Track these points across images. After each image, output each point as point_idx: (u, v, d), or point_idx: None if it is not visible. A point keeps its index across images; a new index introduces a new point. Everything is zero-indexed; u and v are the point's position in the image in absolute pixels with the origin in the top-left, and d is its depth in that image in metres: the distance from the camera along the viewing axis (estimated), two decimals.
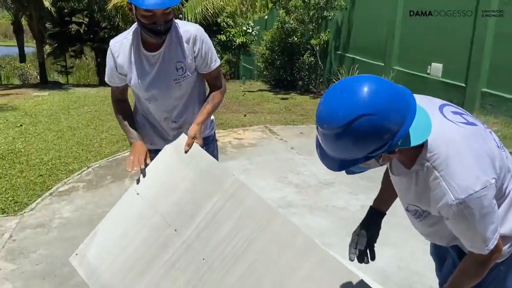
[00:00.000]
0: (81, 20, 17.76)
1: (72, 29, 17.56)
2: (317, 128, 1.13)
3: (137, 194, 1.69)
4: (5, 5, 14.70)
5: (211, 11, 13.27)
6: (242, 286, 1.47)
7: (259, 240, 1.50)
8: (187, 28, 1.94)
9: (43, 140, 6.22)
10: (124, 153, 5.51)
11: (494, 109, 6.46)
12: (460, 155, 1.14)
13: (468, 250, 1.26)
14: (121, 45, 1.94)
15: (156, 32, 1.81)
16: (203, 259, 1.52)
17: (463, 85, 6.87)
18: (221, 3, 13.36)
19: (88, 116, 8.13)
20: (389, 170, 1.38)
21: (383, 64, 8.97)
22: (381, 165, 1.20)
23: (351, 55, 10.59)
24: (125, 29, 10.03)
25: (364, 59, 9.85)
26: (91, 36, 17.28)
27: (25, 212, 3.73)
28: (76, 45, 17.84)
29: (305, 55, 11.40)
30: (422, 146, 1.18)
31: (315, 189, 4.14)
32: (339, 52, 11.29)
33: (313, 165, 4.77)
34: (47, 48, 17.47)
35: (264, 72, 13.45)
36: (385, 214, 1.55)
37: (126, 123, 2.03)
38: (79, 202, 3.92)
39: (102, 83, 17.35)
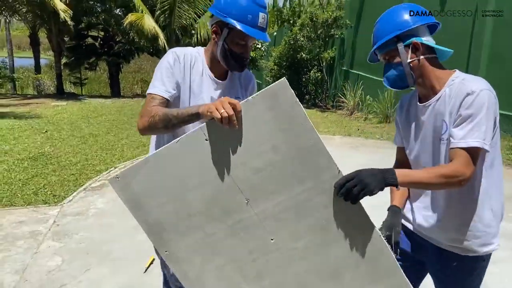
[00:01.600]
0: (96, 34, 18.50)
1: (88, 43, 18.30)
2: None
3: (206, 140, 1.34)
4: (24, 19, 15.43)
5: None
6: (305, 281, 1.41)
7: (339, 247, 1.39)
8: (249, 72, 1.85)
9: (68, 145, 6.74)
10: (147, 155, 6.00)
11: None
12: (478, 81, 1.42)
13: (453, 151, 1.38)
14: (195, 58, 1.69)
15: (242, 63, 1.66)
16: (272, 239, 1.40)
17: None
18: None
19: (107, 124, 8.66)
20: (418, 104, 1.56)
21: None
22: (411, 64, 1.47)
23: (356, 71, 11.10)
24: (139, 44, 10.76)
25: (368, 75, 10.34)
26: (106, 49, 18.01)
27: (64, 203, 4.23)
28: (91, 58, 18.56)
29: (312, 71, 11.95)
30: (450, 74, 1.48)
31: None
32: (345, 68, 11.81)
33: None
34: (64, 60, 18.17)
35: None
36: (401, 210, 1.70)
37: (173, 108, 1.60)
38: (111, 195, 4.41)
39: (114, 94, 18.01)
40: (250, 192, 1.37)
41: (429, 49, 1.49)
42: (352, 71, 11.34)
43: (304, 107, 8.79)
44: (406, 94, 1.71)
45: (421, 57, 1.47)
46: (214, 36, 1.64)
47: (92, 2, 15.87)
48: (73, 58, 18.15)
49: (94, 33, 18.46)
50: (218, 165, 1.36)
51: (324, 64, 11.77)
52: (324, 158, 1.34)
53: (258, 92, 1.32)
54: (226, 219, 1.39)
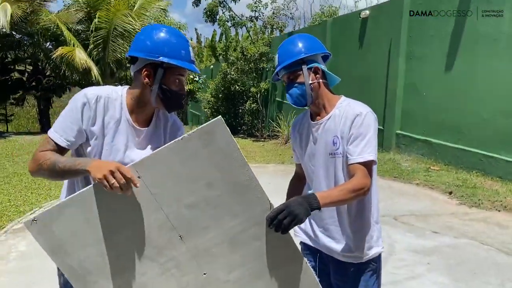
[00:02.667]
0: (24, 69, 17.69)
1: (14, 77, 17.42)
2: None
3: (139, 177, 1.31)
4: None
5: None
6: None
7: (271, 276, 1.45)
8: (176, 118, 1.78)
9: None
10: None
11: (407, 148, 7.51)
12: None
13: (353, 166, 1.60)
14: (112, 101, 1.57)
15: (181, 100, 1.62)
16: (205, 274, 1.41)
17: (381, 127, 7.91)
18: None
19: None
20: (311, 121, 1.76)
21: None
22: (311, 85, 1.67)
23: (288, 102, 11.56)
24: (71, 78, 10.50)
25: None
26: (34, 84, 17.24)
27: None
28: (18, 93, 17.64)
29: (247, 102, 12.29)
30: (338, 98, 1.73)
31: None
32: (278, 99, 12.27)
33: None
34: None
35: (210, 118, 14.15)
36: None
37: (64, 158, 1.49)
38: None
39: (44, 130, 17.16)
40: (183, 228, 1.37)
41: (323, 75, 1.73)
42: (285, 102, 11.81)
43: (241, 137, 8.99)
44: (296, 117, 1.95)
45: (320, 80, 1.70)
46: (146, 80, 1.54)
47: (19, 36, 15.25)
48: None
49: (21, 67, 17.65)
50: (151, 202, 1.35)
51: (258, 95, 12.16)
52: (257, 193, 1.40)
53: (194, 130, 1.35)
54: (158, 258, 1.38)
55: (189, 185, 1.36)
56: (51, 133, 1.53)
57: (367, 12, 8.53)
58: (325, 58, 1.77)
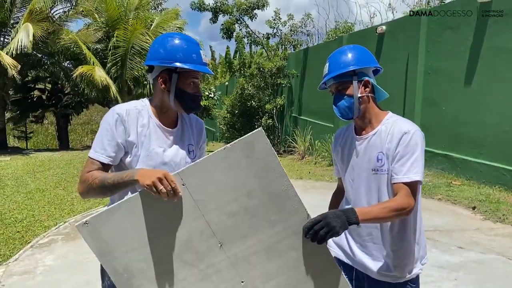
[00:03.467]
0: (44, 87, 18.14)
1: (34, 95, 17.87)
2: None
3: (183, 185, 1.37)
4: None
5: None
6: None
7: (307, 287, 1.46)
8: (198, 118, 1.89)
9: (13, 201, 6.44)
10: (98, 208, 5.88)
11: (427, 163, 7.43)
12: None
13: (398, 185, 1.56)
14: (139, 111, 1.66)
15: (198, 101, 1.70)
16: (242, 282, 1.44)
17: None
18: None
19: (55, 178, 8.38)
20: (355, 135, 1.74)
21: (332, 125, 9.95)
22: (360, 98, 1.65)
23: (304, 118, 11.60)
24: (91, 95, 10.74)
25: (316, 121, 10.84)
26: (54, 101, 17.64)
27: (9, 262, 4.01)
28: (38, 111, 18.06)
29: (263, 118, 12.36)
30: (385, 114, 1.70)
31: None
32: (294, 115, 12.31)
33: None
34: (8, 114, 17.56)
35: (226, 134, 14.27)
36: None
37: (111, 173, 1.59)
38: (60, 251, 4.25)
39: (63, 147, 17.47)
40: (223, 235, 1.41)
41: (372, 89, 1.70)
42: (301, 117, 11.84)
43: None
44: (339, 130, 1.91)
45: (369, 94, 1.68)
46: (163, 86, 1.65)
47: (40, 56, 15.69)
48: (18, 111, 17.58)
49: (41, 86, 18.10)
50: (193, 209, 1.40)
51: (274, 111, 12.22)
52: (294, 202, 1.44)
53: (236, 140, 1.40)
54: (198, 264, 1.42)
55: (230, 193, 1.40)
56: (92, 154, 1.60)
57: (384, 27, 8.58)
58: (375, 72, 1.76)
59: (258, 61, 12.01)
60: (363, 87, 1.67)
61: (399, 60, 8.03)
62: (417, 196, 1.60)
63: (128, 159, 1.63)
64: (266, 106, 11.93)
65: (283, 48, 13.00)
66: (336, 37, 11.63)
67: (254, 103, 12.44)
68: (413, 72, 7.74)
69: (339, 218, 1.40)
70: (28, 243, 4.58)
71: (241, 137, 1.41)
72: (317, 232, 1.37)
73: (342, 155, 1.81)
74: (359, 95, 1.65)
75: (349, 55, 1.67)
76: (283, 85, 11.90)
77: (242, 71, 12.39)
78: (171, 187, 1.35)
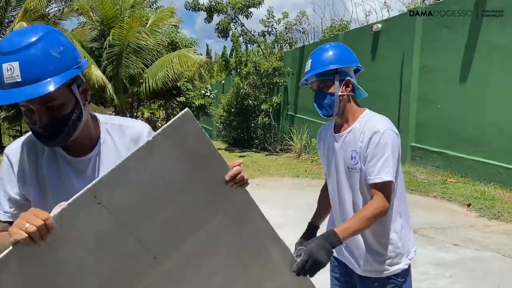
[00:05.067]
0: None
1: None
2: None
3: (99, 204, 1.05)
4: None
5: (171, 76, 14.12)
6: None
7: (251, 268, 1.36)
8: (133, 125, 1.33)
9: None
10: None
11: (422, 161, 7.47)
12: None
13: (371, 186, 1.60)
14: (34, 146, 1.23)
15: (44, 135, 1.12)
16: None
17: None
18: (181, 69, 14.27)
19: None
20: (333, 133, 1.78)
21: None
22: (341, 97, 1.67)
23: (300, 116, 11.61)
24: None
25: (312, 119, 10.85)
26: None
27: None
28: None
29: (260, 116, 12.36)
30: (362, 111, 1.72)
31: None
32: (290, 113, 12.32)
33: (267, 211, 5.38)
34: (3, 113, 17.49)
35: (223, 132, 14.28)
36: (319, 227, 1.94)
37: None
38: None
39: None
40: (158, 247, 1.17)
41: (353, 88, 1.74)
42: (297, 115, 11.85)
43: (253, 151, 8.99)
44: (322, 127, 1.94)
45: (349, 93, 1.71)
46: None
47: None
48: (12, 110, 17.51)
49: None
50: (117, 231, 1.10)
51: (271, 109, 12.23)
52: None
53: (159, 130, 1.11)
54: (136, 285, 1.18)
55: (161, 196, 1.15)
56: None
57: (379, 25, 8.59)
58: (356, 70, 1.80)
59: (254, 60, 12.00)
60: (344, 86, 1.69)
61: (394, 58, 8.06)
62: (392, 195, 1.63)
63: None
64: (262, 106, 11.93)
65: (278, 47, 13.00)
66: (332, 35, 11.64)
67: (250, 101, 12.44)
68: (408, 70, 7.76)
69: (323, 249, 1.45)
70: None
71: (165, 124, 1.12)
72: (308, 270, 1.42)
73: (323, 151, 1.87)
74: (339, 93, 1.69)
75: (331, 53, 1.69)
76: (279, 83, 11.91)
77: (238, 70, 12.38)
78: (36, 229, 0.95)
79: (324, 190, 1.98)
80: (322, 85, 1.70)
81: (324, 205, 1.95)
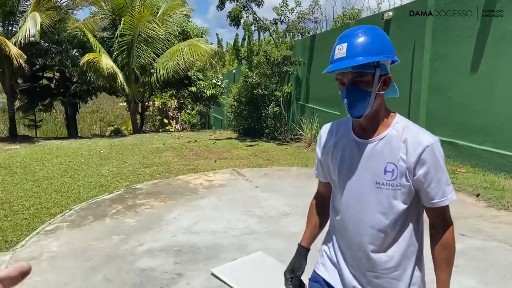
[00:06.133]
0: (52, 76, 18.25)
1: (43, 84, 17.99)
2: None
3: None
4: None
5: (182, 66, 14.14)
6: None
7: None
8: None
9: (21, 189, 6.55)
10: (103, 196, 5.96)
11: None
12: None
13: (435, 211, 1.40)
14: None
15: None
16: None
17: None
18: (192, 58, 14.28)
19: (63, 166, 8.48)
20: (355, 137, 1.46)
21: (339, 113, 9.90)
22: (378, 93, 1.35)
23: (311, 105, 11.55)
24: (97, 84, 10.92)
25: (322, 109, 10.79)
26: (62, 90, 17.76)
27: (16, 249, 4.11)
28: (46, 99, 18.21)
29: (270, 106, 12.32)
30: (394, 116, 1.44)
31: (275, 219, 4.76)
32: (301, 103, 12.26)
33: (274, 200, 5.45)
34: (17, 103, 17.74)
35: (233, 122, 14.27)
36: (310, 249, 1.69)
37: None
38: (65, 238, 4.32)
39: (72, 135, 17.64)
40: None
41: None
42: (308, 105, 11.79)
43: (264, 141, 9.09)
44: (332, 123, 1.59)
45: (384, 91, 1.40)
46: None
47: (47, 44, 15.76)
48: (26, 100, 17.75)
49: (49, 74, 18.20)
50: None
51: (281, 99, 12.18)
52: None
53: None
54: None
55: None
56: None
57: (390, 13, 8.46)
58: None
59: (265, 49, 11.92)
60: (382, 83, 1.37)
61: (406, 47, 7.93)
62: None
63: None
64: (275, 93, 11.88)
65: (290, 36, 12.87)
66: (343, 23, 11.50)
67: (260, 91, 12.40)
68: (419, 59, 7.64)
69: None
70: (35, 229, 4.66)
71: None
72: None
73: (335, 156, 1.51)
74: (377, 91, 1.36)
75: (375, 40, 1.35)
76: (290, 72, 11.83)
77: (249, 59, 12.31)
78: None
79: (319, 206, 1.71)
80: (359, 79, 1.34)
81: (317, 224, 1.69)
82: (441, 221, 1.43)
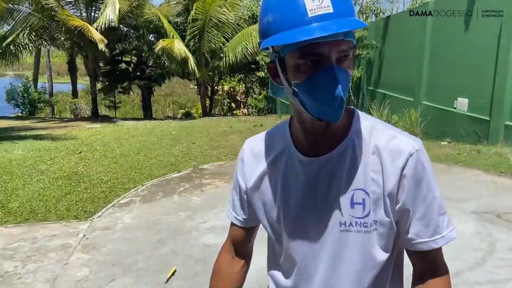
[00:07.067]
0: (130, 60, 19.32)
1: (122, 67, 19.14)
2: None
3: None
4: (63, 47, 16.38)
5: (250, 50, 14.22)
6: None
7: None
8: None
9: (100, 164, 7.05)
10: (173, 174, 6.23)
11: None
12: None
13: (427, 255, 0.92)
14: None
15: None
16: None
17: (487, 118, 7.22)
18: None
19: (138, 145, 8.98)
20: (299, 154, 0.94)
21: (412, 99, 9.40)
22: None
23: (382, 91, 11.09)
24: (170, 68, 11.36)
25: (394, 95, 10.31)
26: (138, 74, 18.76)
27: (94, 219, 4.45)
28: (125, 82, 19.35)
29: None
30: (351, 113, 0.95)
31: None
32: (371, 88, 11.82)
33: None
34: (99, 85, 19.06)
35: None
36: None
37: None
38: (137, 211, 4.60)
39: (147, 117, 18.64)
40: None
41: None
42: (378, 90, 11.33)
43: None
44: (252, 140, 1.06)
45: None
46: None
47: (126, 29, 16.67)
48: (107, 82, 18.98)
49: (127, 59, 19.28)
50: None
51: (350, 84, 11.83)
52: None
53: None
54: None
55: None
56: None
57: None
58: None
59: None
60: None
61: (491, 28, 7.26)
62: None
63: None
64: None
65: (364, 18, 12.39)
66: (422, 3, 10.80)
67: None
68: (506, 42, 6.95)
69: None
70: (110, 202, 5.01)
71: None
72: None
73: (278, 187, 0.98)
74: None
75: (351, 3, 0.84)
76: (362, 56, 11.41)
77: None
78: None
79: (227, 269, 1.15)
80: (347, 53, 0.84)
81: None
82: (433, 269, 0.94)
